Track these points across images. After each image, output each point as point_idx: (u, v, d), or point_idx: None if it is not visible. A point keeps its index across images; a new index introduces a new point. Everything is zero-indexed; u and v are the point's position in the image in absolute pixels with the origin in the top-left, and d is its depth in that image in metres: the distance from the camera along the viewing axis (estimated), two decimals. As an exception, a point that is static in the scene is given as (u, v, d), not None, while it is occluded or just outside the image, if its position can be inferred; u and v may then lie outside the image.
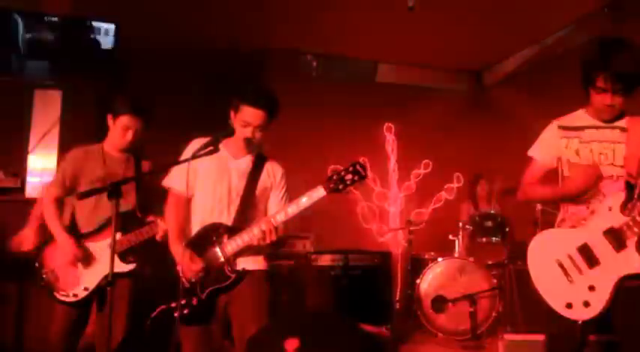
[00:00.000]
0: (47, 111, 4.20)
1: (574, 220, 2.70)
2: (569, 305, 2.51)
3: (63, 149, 4.49)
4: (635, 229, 2.45)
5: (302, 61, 6.78)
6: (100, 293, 3.24)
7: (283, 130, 4.71)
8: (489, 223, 5.30)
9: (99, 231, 3.29)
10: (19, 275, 4.20)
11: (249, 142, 2.85)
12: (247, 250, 2.77)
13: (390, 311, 5.46)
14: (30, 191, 4.57)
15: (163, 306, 2.64)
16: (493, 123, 6.57)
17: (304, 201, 2.66)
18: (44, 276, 3.26)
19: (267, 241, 2.67)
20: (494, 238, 5.23)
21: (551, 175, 2.84)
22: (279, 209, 2.81)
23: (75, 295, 3.21)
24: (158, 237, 3.21)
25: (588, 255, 2.54)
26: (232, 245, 2.73)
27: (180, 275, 2.73)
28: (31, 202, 4.30)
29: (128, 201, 3.30)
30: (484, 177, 5.93)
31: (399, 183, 6.98)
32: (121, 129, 3.31)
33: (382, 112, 6.90)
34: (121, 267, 3.20)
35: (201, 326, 2.76)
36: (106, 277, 3.18)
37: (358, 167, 2.64)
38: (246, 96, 2.81)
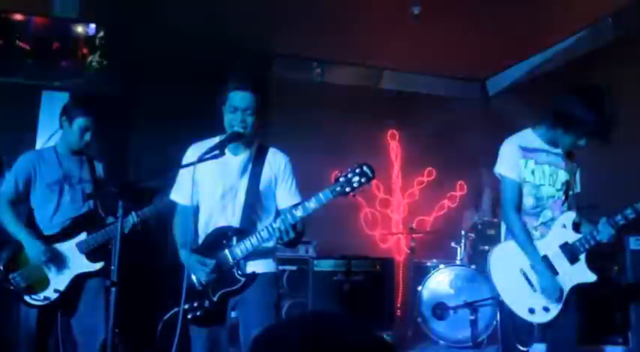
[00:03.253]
0: (54, 113, 4.22)
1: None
2: (531, 311, 2.83)
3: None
4: (586, 245, 2.86)
5: (307, 67, 6.80)
6: (67, 295, 3.21)
7: (287, 135, 4.76)
8: (492, 231, 5.31)
9: (63, 232, 3.27)
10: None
11: (242, 134, 2.72)
12: (257, 252, 2.71)
13: (392, 317, 5.46)
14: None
15: (176, 308, 2.60)
16: (497, 132, 6.56)
17: (311, 204, 2.58)
18: (12, 280, 3.16)
19: (285, 240, 2.59)
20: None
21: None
22: (294, 203, 2.74)
23: (46, 298, 3.17)
24: (126, 231, 3.23)
25: (548, 266, 2.86)
26: (241, 248, 2.67)
27: (192, 278, 2.71)
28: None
29: (89, 202, 3.34)
30: (488, 185, 5.94)
31: (402, 190, 7.00)
32: (78, 131, 3.30)
33: (386, 119, 6.93)
34: (90, 267, 3.22)
35: (212, 327, 2.74)
36: (77, 277, 3.20)
37: (365, 168, 2.54)
38: (231, 82, 2.75)
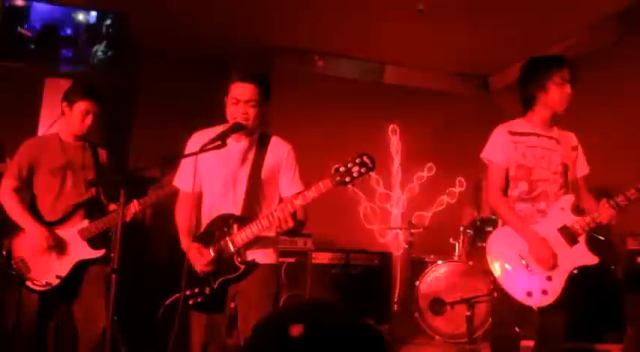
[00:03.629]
0: (57, 100, 4.22)
1: (523, 216, 2.97)
2: (529, 294, 2.82)
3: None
4: (586, 228, 2.86)
5: (309, 59, 6.79)
6: (69, 281, 3.22)
7: (288, 128, 4.76)
8: (490, 228, 5.32)
9: (65, 218, 3.28)
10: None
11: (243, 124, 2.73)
12: (258, 241, 2.73)
13: (389, 311, 5.49)
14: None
15: (177, 294, 2.62)
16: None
17: (311, 193, 2.59)
18: (14, 265, 3.19)
19: (284, 228, 2.60)
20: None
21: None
22: (299, 189, 2.78)
23: (48, 283, 3.18)
24: (127, 219, 3.24)
25: None
26: (242, 236, 2.68)
27: (192, 264, 2.71)
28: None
29: (91, 189, 3.34)
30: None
31: (402, 185, 7.01)
32: (79, 115, 3.30)
33: (388, 113, 6.91)
34: (91, 254, 3.23)
35: (212, 314, 2.76)
36: (78, 264, 3.22)
37: (365, 158, 2.53)
38: (234, 74, 2.76)
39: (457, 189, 7.05)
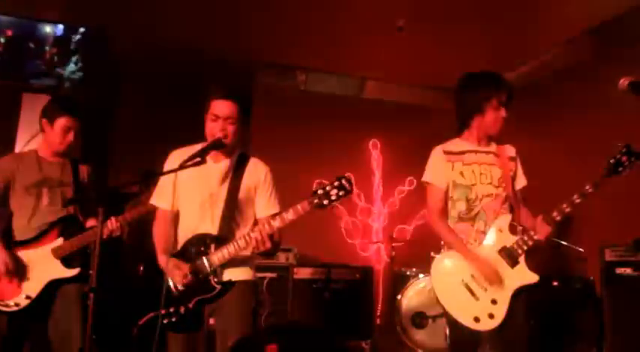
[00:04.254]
0: (34, 115, 4.17)
1: (463, 237, 2.94)
2: (476, 319, 2.80)
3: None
4: (524, 247, 2.87)
5: (290, 75, 6.81)
6: (39, 302, 3.14)
7: (269, 143, 4.77)
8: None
9: (39, 237, 3.22)
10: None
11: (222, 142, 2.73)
12: (234, 260, 2.72)
13: (371, 325, 5.48)
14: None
15: (152, 314, 2.61)
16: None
17: (289, 215, 2.62)
18: None
19: (261, 249, 2.62)
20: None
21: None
22: (272, 213, 2.79)
23: (17, 304, 3.10)
24: (104, 236, 3.15)
25: None
26: (219, 255, 2.69)
27: (169, 283, 2.70)
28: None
29: (68, 207, 3.28)
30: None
31: (383, 199, 7.03)
32: (61, 131, 3.27)
33: (368, 128, 6.95)
34: (66, 272, 3.16)
35: (188, 333, 2.74)
36: (51, 283, 3.14)
37: (344, 182, 2.59)
38: (213, 90, 2.77)
39: (438, 203, 7.08)
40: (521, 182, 3.09)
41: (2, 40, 4.68)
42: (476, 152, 3.01)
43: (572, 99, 5.31)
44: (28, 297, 3.12)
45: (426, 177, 3.08)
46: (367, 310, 5.46)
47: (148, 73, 5.70)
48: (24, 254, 3.18)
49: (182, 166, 2.59)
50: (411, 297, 5.13)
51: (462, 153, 3.01)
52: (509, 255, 2.87)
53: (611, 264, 4.44)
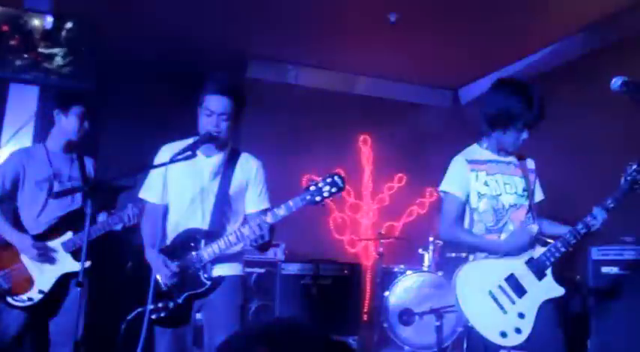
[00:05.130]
0: (22, 106, 4.11)
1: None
2: (503, 334, 2.65)
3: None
4: (552, 259, 2.75)
5: (280, 70, 6.79)
6: (51, 296, 3.14)
7: (258, 137, 4.74)
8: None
9: (48, 231, 3.21)
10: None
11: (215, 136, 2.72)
12: (224, 256, 2.71)
13: (358, 322, 5.49)
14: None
15: (140, 308, 2.59)
16: (467, 141, 6.65)
17: (281, 211, 2.61)
18: None
19: (259, 242, 2.60)
20: (463, 254, 5.29)
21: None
22: (262, 209, 2.78)
23: (30, 298, 3.10)
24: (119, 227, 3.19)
25: (516, 285, 2.74)
26: (209, 251, 2.67)
27: (157, 279, 2.68)
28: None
29: (77, 200, 3.28)
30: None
31: (372, 195, 7.03)
32: (76, 120, 3.28)
33: (358, 124, 6.96)
34: (76, 266, 3.13)
35: (176, 328, 2.72)
36: (61, 277, 3.14)
37: (336, 178, 2.59)
38: (208, 85, 2.76)
39: (427, 200, 7.11)
40: (539, 195, 3.00)
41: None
42: (497, 162, 2.91)
43: (565, 98, 5.32)
44: (41, 291, 3.12)
45: (444, 187, 2.91)
46: (354, 306, 5.47)
47: (137, 65, 5.64)
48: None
49: (172, 160, 2.57)
50: (398, 294, 5.13)
51: (484, 162, 2.89)
52: (537, 267, 2.77)
53: (598, 262, 4.47)
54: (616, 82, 2.41)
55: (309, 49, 6.27)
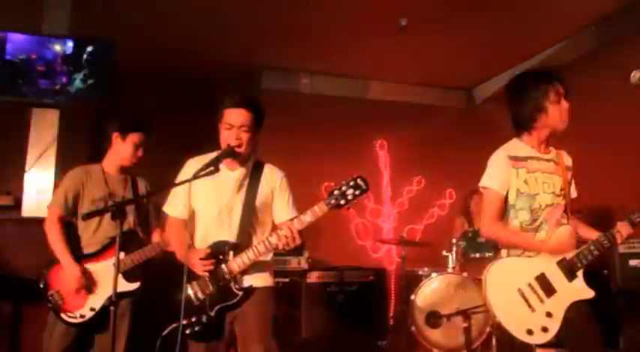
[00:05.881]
0: (44, 130, 4.18)
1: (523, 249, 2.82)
2: (529, 332, 2.66)
3: (60, 168, 4.51)
4: (584, 261, 2.74)
5: (294, 78, 6.83)
6: (101, 314, 3.22)
7: (275, 147, 4.78)
8: (482, 239, 5.33)
9: (102, 251, 3.31)
10: (15, 295, 4.20)
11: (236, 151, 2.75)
12: (254, 266, 2.73)
13: (385, 326, 5.48)
14: (26, 210, 4.55)
15: (174, 324, 2.62)
16: (484, 140, 6.56)
17: (307, 217, 2.62)
18: (50, 298, 3.24)
19: (291, 246, 2.61)
20: (487, 254, 5.27)
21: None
22: (293, 215, 2.78)
23: (82, 315, 3.22)
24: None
25: (546, 284, 2.73)
26: (238, 262, 2.70)
27: (189, 293, 2.71)
28: (27, 221, 4.33)
29: (129, 221, 3.37)
30: (477, 192, 5.97)
31: (391, 199, 7.03)
32: (132, 146, 3.40)
33: (374, 129, 6.97)
34: (125, 286, 3.22)
35: (210, 342, 2.74)
36: (110, 297, 3.21)
37: (359, 181, 2.58)
38: (227, 100, 2.80)
39: (447, 201, 7.09)
40: (573, 193, 2.97)
41: (15, 60, 4.69)
42: (538, 159, 2.86)
43: (577, 94, 5.29)
44: (92, 309, 3.23)
45: (485, 182, 2.86)
46: (381, 311, 5.46)
47: (150, 78, 5.71)
48: (90, 267, 3.29)
49: (196, 176, 2.60)
50: (424, 297, 5.10)
51: (525, 159, 2.85)
52: (568, 268, 2.75)
53: (625, 256, 4.43)
54: (635, 75, 2.41)
55: (321, 56, 6.30)
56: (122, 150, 3.42)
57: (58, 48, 4.69)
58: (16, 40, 4.67)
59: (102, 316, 3.21)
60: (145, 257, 3.29)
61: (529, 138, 2.89)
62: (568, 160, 2.98)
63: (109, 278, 3.18)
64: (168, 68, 5.84)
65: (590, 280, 2.80)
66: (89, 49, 4.79)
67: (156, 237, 3.45)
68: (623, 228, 2.77)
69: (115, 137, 3.41)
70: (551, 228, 2.80)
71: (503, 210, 2.86)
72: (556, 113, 2.81)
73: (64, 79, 4.70)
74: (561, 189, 2.85)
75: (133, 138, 3.40)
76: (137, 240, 3.38)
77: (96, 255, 3.31)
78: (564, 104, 2.81)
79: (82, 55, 4.77)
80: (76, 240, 3.35)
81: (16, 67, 4.66)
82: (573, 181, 2.99)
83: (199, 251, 2.74)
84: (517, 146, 2.91)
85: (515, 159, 2.84)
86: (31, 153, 4.60)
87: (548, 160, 2.89)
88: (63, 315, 3.22)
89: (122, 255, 3.26)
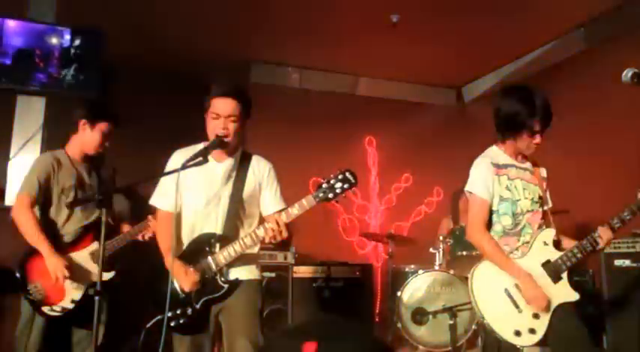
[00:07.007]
0: (29, 117, 4.10)
1: (507, 250, 2.87)
2: (517, 333, 2.69)
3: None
4: (568, 264, 2.80)
5: (284, 73, 6.80)
6: (80, 306, 3.16)
7: (264, 142, 4.74)
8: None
9: (77, 241, 3.24)
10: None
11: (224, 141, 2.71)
12: (240, 258, 2.71)
13: (371, 322, 5.47)
14: (10, 198, 4.47)
15: (159, 316, 2.58)
16: (473, 138, 6.63)
17: (295, 210, 2.60)
18: (30, 291, 3.11)
19: (278, 239, 2.58)
20: (474, 252, 5.28)
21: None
22: (281, 207, 2.77)
23: (63, 308, 3.13)
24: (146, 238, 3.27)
25: None
26: (225, 254, 2.67)
27: (174, 285, 2.67)
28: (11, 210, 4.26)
29: (98, 210, 3.28)
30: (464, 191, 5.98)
31: (379, 196, 7.03)
32: (100, 135, 3.31)
33: (363, 125, 6.96)
34: (103, 276, 3.15)
35: (195, 335, 2.71)
36: (90, 287, 3.15)
37: (347, 174, 2.57)
38: (214, 89, 2.76)
39: (435, 199, 7.10)
40: (549, 202, 3.04)
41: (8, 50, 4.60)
42: (516, 167, 2.96)
43: (565, 94, 5.31)
44: (73, 301, 3.16)
45: (471, 188, 2.92)
46: (367, 307, 5.46)
47: (143, 75, 5.66)
48: (70, 257, 3.20)
49: (184, 166, 2.55)
50: (410, 294, 5.11)
51: (506, 166, 2.94)
52: (553, 270, 2.80)
53: (610, 255, 4.46)
54: (627, 74, 2.42)
55: (311, 51, 6.28)
56: (88, 137, 3.33)
57: (55, 41, 4.61)
58: (12, 32, 4.59)
59: (80, 307, 3.15)
60: (120, 245, 3.26)
61: (507, 146, 2.98)
62: (543, 172, 3.07)
63: (84, 268, 3.17)
64: (156, 61, 5.77)
65: (575, 280, 2.83)
66: (79, 41, 4.71)
67: (125, 226, 3.40)
68: (604, 233, 2.83)
69: (83, 124, 3.31)
70: (535, 231, 2.88)
71: (488, 216, 2.90)
72: (524, 144, 2.89)
73: (59, 72, 4.63)
74: (539, 197, 2.94)
75: (102, 126, 3.31)
76: (111, 229, 3.31)
77: (71, 245, 3.23)
78: (536, 139, 2.86)
79: (73, 48, 4.70)
80: (54, 227, 3.23)
81: (12, 60, 4.58)
82: (548, 192, 3.06)
83: (190, 271, 2.66)
84: (498, 153, 2.99)
85: (497, 166, 2.92)
86: (15, 141, 4.53)
87: (525, 169, 2.99)
88: (44, 309, 3.10)
89: (96, 244, 3.22)
